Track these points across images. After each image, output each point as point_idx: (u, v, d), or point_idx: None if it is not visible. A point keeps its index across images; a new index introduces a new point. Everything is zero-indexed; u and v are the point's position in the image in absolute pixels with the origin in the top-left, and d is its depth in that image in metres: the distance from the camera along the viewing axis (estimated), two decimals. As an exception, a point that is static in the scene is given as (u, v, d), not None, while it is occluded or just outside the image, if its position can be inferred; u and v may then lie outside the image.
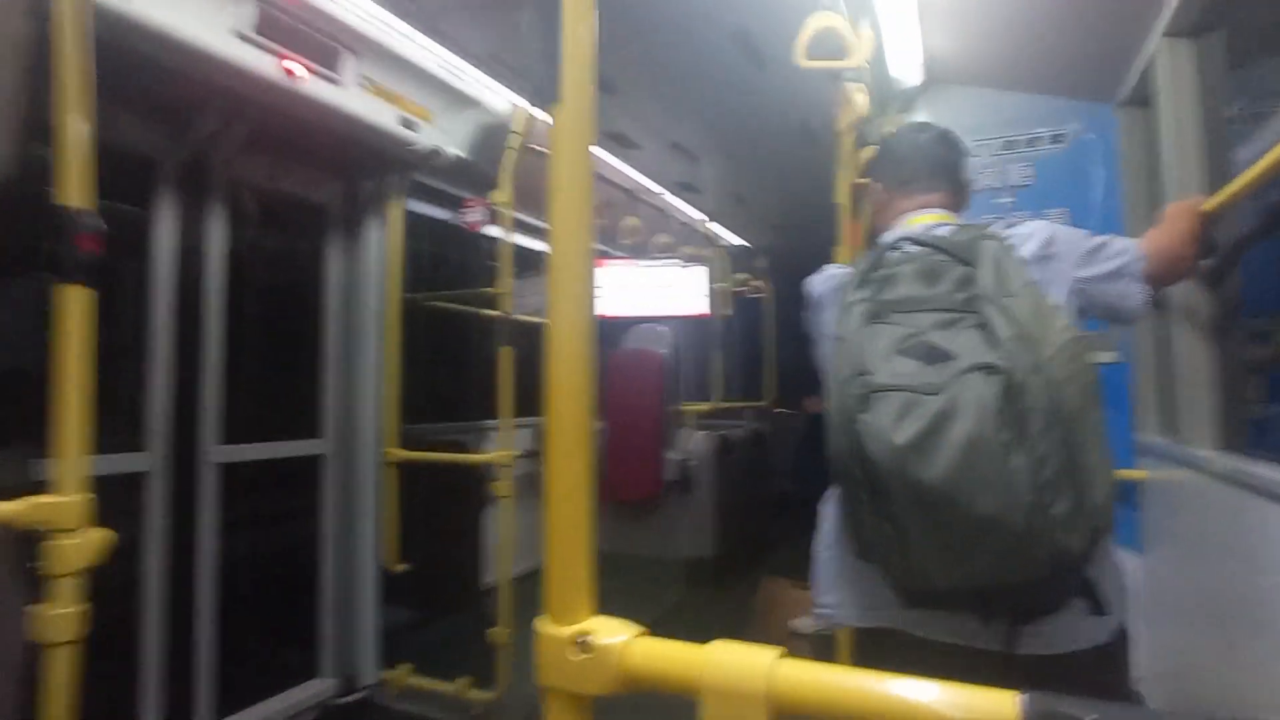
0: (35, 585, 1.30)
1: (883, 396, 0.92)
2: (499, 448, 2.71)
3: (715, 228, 5.16)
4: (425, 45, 2.47)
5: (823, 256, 1.76)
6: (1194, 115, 1.71)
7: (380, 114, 2.44)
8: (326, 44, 2.18)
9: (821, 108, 2.28)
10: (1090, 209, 2.45)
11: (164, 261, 2.24)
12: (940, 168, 1.33)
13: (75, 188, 1.31)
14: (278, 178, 2.62)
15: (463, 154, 2.80)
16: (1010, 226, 1.18)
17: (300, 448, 2.74)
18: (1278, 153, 1.09)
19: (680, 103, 3.08)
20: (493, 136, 2.80)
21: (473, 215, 2.98)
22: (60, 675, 1.28)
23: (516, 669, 2.60)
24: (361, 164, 2.77)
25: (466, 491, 2.96)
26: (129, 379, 2.22)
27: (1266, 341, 1.84)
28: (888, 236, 1.32)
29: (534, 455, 3.49)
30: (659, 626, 0.60)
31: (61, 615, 1.28)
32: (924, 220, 1.28)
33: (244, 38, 1.94)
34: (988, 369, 0.89)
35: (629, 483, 4.32)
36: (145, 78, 1.94)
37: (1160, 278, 1.22)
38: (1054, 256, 1.14)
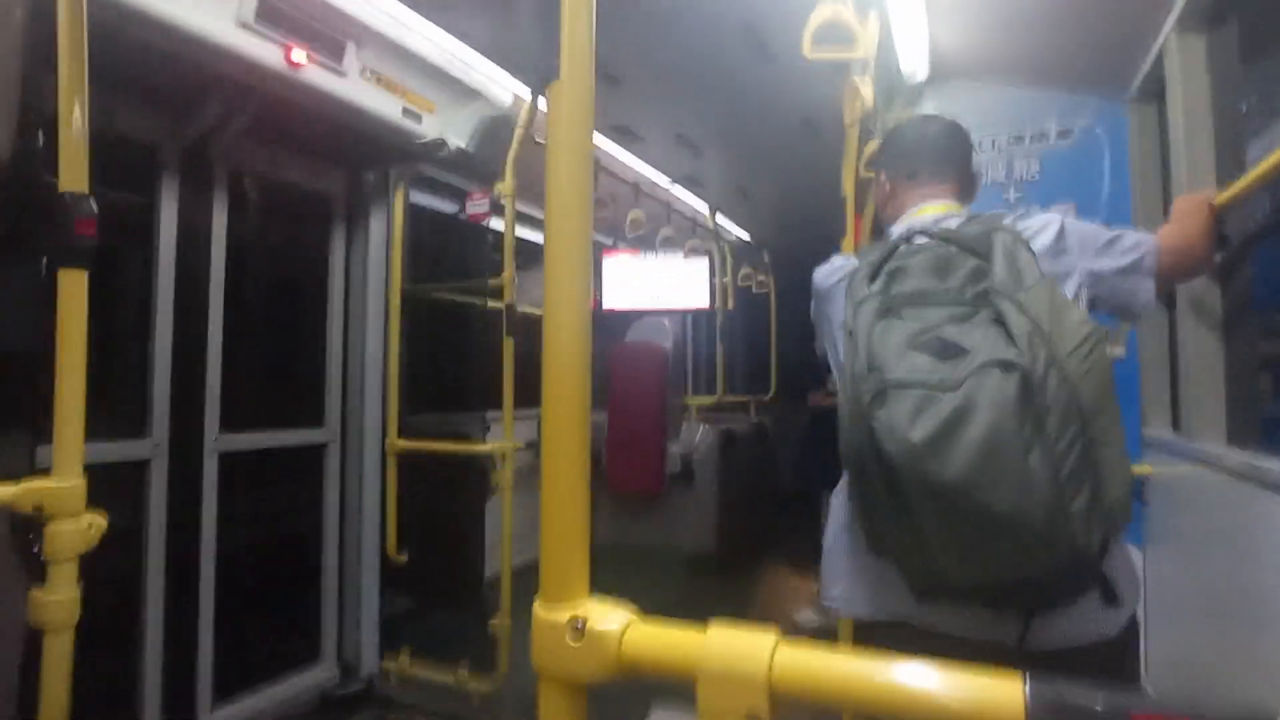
0: (35, 569, 1.30)
1: (898, 393, 0.91)
2: (501, 438, 2.70)
3: (719, 221, 5.15)
4: (429, 35, 2.45)
5: (827, 251, 1.74)
6: (1205, 109, 1.69)
7: (383, 104, 2.43)
8: (330, 33, 2.17)
9: (827, 101, 2.27)
10: (1097, 204, 2.42)
11: (166, 250, 2.24)
12: (948, 159, 1.31)
13: (73, 173, 1.31)
14: (281, 167, 2.62)
15: (465, 145, 2.79)
16: (1021, 218, 1.16)
17: (302, 436, 2.74)
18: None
19: (685, 95, 3.07)
20: (496, 128, 2.79)
21: (476, 207, 2.97)
22: (58, 658, 1.28)
23: (516, 658, 2.60)
24: (364, 154, 2.77)
25: (468, 482, 2.96)
26: (132, 366, 2.22)
27: (1277, 337, 1.82)
28: (896, 228, 1.31)
29: (536, 446, 3.48)
30: (660, 618, 0.59)
31: (59, 599, 1.27)
32: (932, 211, 1.27)
33: (246, 26, 1.93)
34: (1005, 365, 0.88)
35: (632, 475, 4.32)
36: (148, 65, 1.94)
37: (1174, 273, 1.20)
38: (1066, 249, 1.12)
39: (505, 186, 2.63)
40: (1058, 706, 0.43)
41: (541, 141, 2.64)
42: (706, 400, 5.10)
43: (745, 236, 5.90)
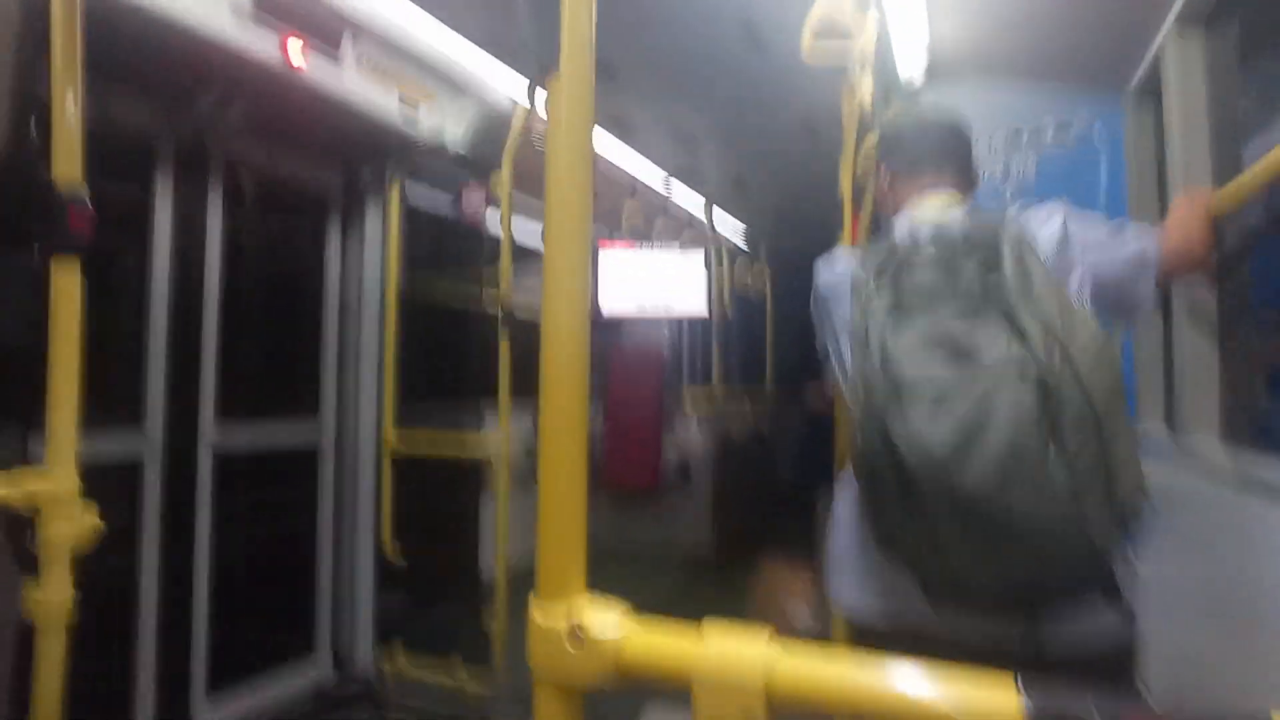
0: (29, 565, 1.29)
1: (912, 395, 0.91)
2: (497, 437, 2.70)
3: (716, 217, 5.14)
4: (426, 28, 2.44)
5: (824, 247, 1.74)
6: (1202, 108, 1.69)
7: (380, 98, 2.42)
8: (327, 26, 2.16)
9: (825, 97, 2.26)
10: (1094, 201, 2.42)
11: (161, 244, 2.22)
12: (949, 150, 1.31)
13: (67, 165, 1.30)
14: (276, 160, 2.60)
15: (463, 140, 2.78)
16: (1024, 212, 1.15)
17: (298, 433, 2.73)
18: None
19: (683, 91, 3.06)
20: (493, 122, 2.77)
21: (471, 203, 2.96)
22: (52, 655, 1.27)
23: (512, 657, 2.60)
24: (361, 148, 2.75)
25: (464, 480, 2.96)
26: (127, 362, 2.21)
27: (1274, 336, 1.82)
28: (900, 223, 1.30)
29: (533, 451, 3.48)
30: (656, 615, 0.58)
31: (52, 594, 1.27)
32: (934, 205, 1.26)
33: (242, 17, 1.92)
34: (1021, 368, 0.88)
35: (629, 472, 4.33)
36: (143, 57, 1.92)
37: (1174, 273, 1.20)
38: (1070, 245, 1.12)
39: (502, 181, 2.62)
40: (1053, 710, 0.43)
41: (538, 137, 2.64)
42: (702, 396, 5.10)
43: (742, 233, 5.90)
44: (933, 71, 2.63)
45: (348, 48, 2.24)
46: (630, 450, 4.33)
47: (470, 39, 2.58)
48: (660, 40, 2.56)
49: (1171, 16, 1.75)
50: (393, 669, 2.72)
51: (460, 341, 3.64)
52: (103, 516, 1.33)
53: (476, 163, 2.85)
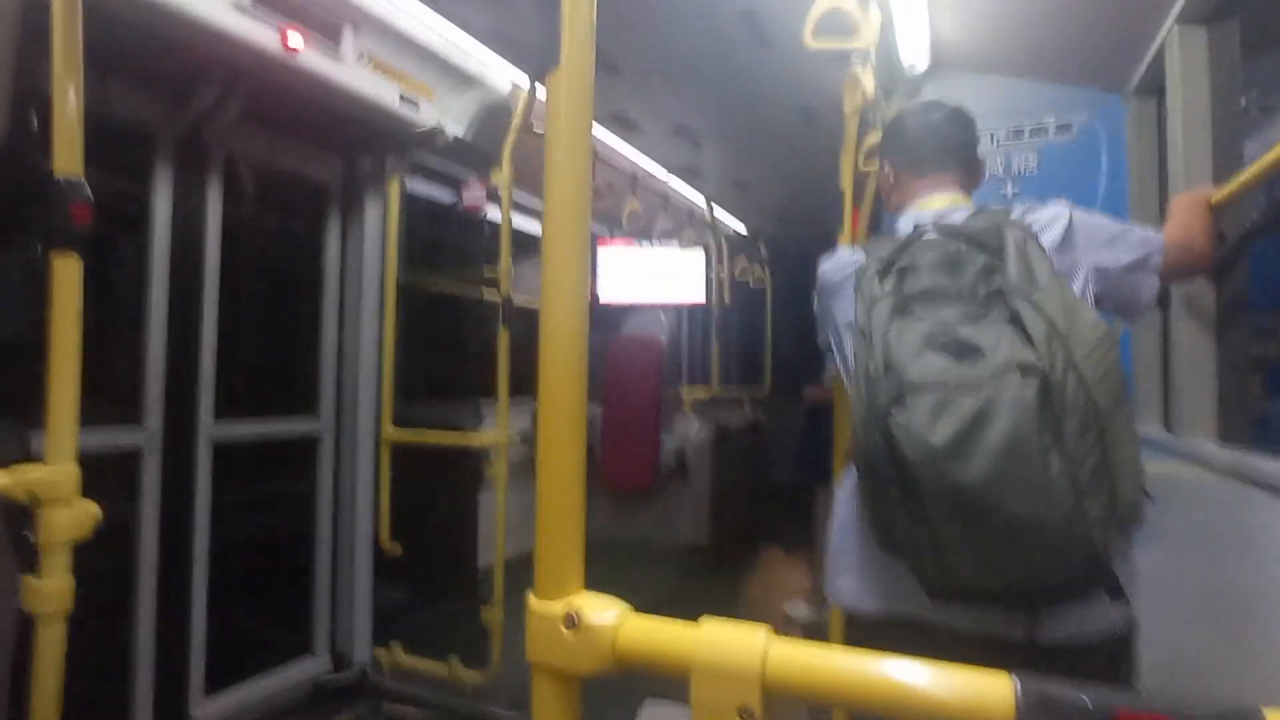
0: (28, 557, 1.29)
1: (915, 395, 0.91)
2: (496, 429, 2.70)
3: (716, 213, 5.14)
4: (427, 21, 2.44)
5: (825, 244, 1.74)
6: (1204, 104, 1.68)
7: (381, 90, 2.41)
8: (327, 17, 2.16)
9: (826, 92, 2.26)
10: (1095, 199, 2.42)
11: (161, 236, 2.22)
12: (953, 147, 1.31)
13: (67, 157, 1.30)
14: (276, 153, 2.60)
15: (463, 133, 2.77)
16: (1029, 211, 1.15)
17: (296, 426, 2.73)
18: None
19: (683, 85, 3.05)
20: (494, 116, 2.77)
21: (473, 196, 2.96)
22: (50, 646, 1.28)
23: (509, 650, 2.60)
24: (361, 141, 2.75)
25: (462, 472, 2.96)
26: (126, 354, 2.21)
27: (1271, 336, 1.82)
28: (902, 220, 1.30)
29: (530, 439, 3.49)
30: (654, 612, 0.59)
31: (51, 586, 1.27)
32: (938, 204, 1.26)
33: (243, 9, 1.92)
34: (1024, 369, 0.88)
35: (626, 470, 4.33)
36: (143, 48, 1.92)
37: (1178, 271, 1.20)
38: (1074, 244, 1.12)
39: (502, 175, 2.62)
40: (1047, 704, 0.43)
41: (539, 131, 2.63)
42: (701, 393, 5.11)
43: (742, 229, 5.89)
44: (935, 68, 2.63)
45: (349, 39, 2.24)
46: (628, 449, 4.33)
47: (471, 32, 2.57)
48: (660, 34, 2.55)
49: (1173, 14, 1.74)
50: (389, 661, 2.73)
51: (460, 333, 3.65)
52: (102, 507, 1.33)
53: (476, 156, 2.85)
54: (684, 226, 4.84)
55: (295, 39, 2.04)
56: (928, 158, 1.30)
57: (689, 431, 4.51)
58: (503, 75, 2.78)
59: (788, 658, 0.51)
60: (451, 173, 3.18)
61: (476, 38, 2.61)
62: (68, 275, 1.31)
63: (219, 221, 2.38)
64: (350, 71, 2.27)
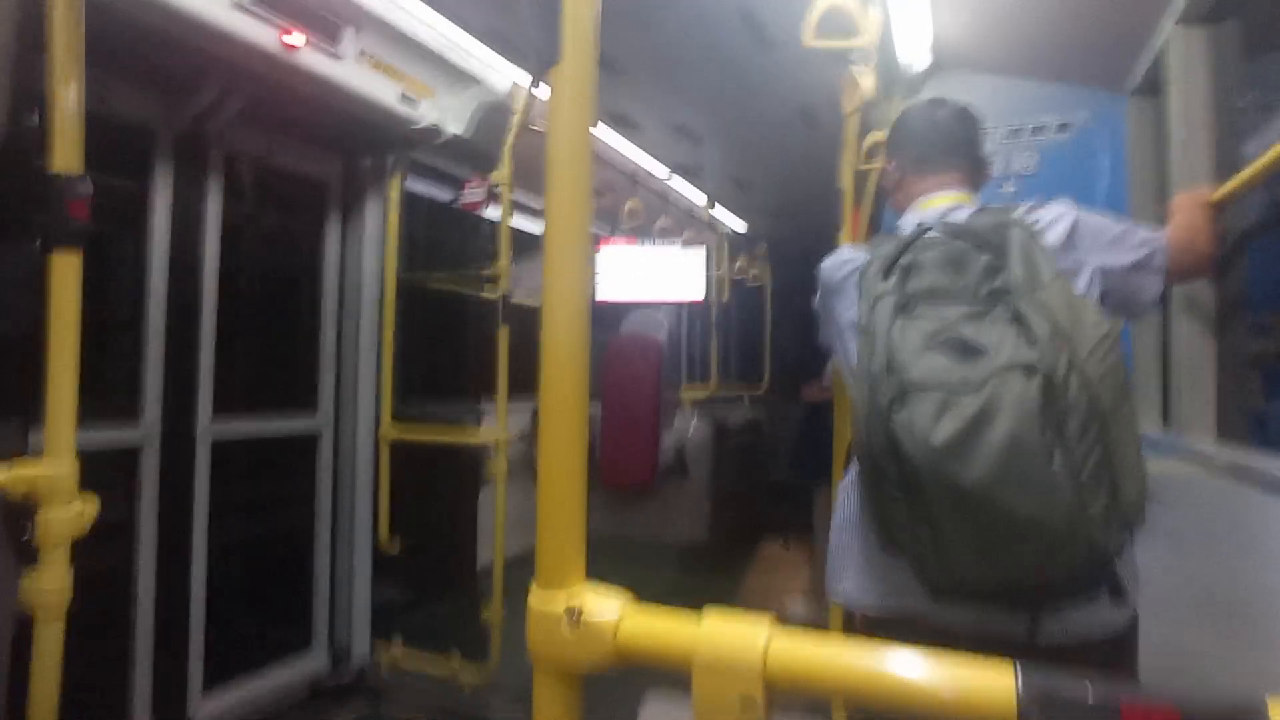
0: (26, 555, 1.29)
1: (918, 394, 0.91)
2: (495, 426, 2.70)
3: (716, 212, 5.14)
4: (427, 20, 2.43)
5: (824, 242, 1.74)
6: (1204, 104, 1.68)
7: (381, 90, 2.41)
8: (327, 16, 2.15)
9: (826, 91, 2.26)
10: (1095, 199, 2.42)
11: (160, 234, 2.22)
12: (958, 145, 1.30)
13: (66, 154, 1.29)
14: (276, 152, 2.60)
15: (463, 132, 2.77)
16: (1033, 210, 1.15)
17: (295, 424, 2.73)
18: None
19: (683, 84, 3.05)
20: (494, 114, 2.77)
21: (472, 195, 2.95)
22: (49, 644, 1.28)
23: (508, 648, 2.60)
24: (361, 140, 2.75)
25: (461, 470, 2.96)
26: (124, 351, 2.21)
27: (1270, 335, 1.83)
28: (906, 219, 1.30)
29: (529, 437, 3.49)
30: (655, 605, 0.59)
31: (49, 583, 1.27)
32: (942, 203, 1.26)
33: (243, 8, 1.91)
34: (1027, 369, 0.88)
35: (625, 469, 4.32)
36: (142, 46, 1.91)
37: (1181, 271, 1.20)
38: (1078, 244, 1.11)
39: (502, 174, 2.61)
40: (1049, 696, 0.43)
41: (538, 129, 2.63)
42: (700, 392, 5.11)
43: (742, 228, 5.89)
44: (935, 67, 2.63)
45: (348, 37, 2.23)
46: (627, 447, 4.32)
47: (471, 31, 2.57)
48: (660, 32, 2.55)
49: (1173, 14, 1.74)
50: (389, 659, 2.73)
51: (459, 331, 3.64)
52: (101, 503, 1.33)
53: (476, 154, 2.84)
54: (684, 225, 4.84)
55: (294, 37, 2.04)
56: (933, 156, 1.30)
57: (688, 429, 4.50)
58: (502, 74, 2.78)
59: (790, 649, 0.51)
60: (452, 171, 3.18)
61: (476, 36, 2.61)
62: (66, 272, 1.31)
63: (218, 219, 2.38)
64: (350, 70, 2.27)
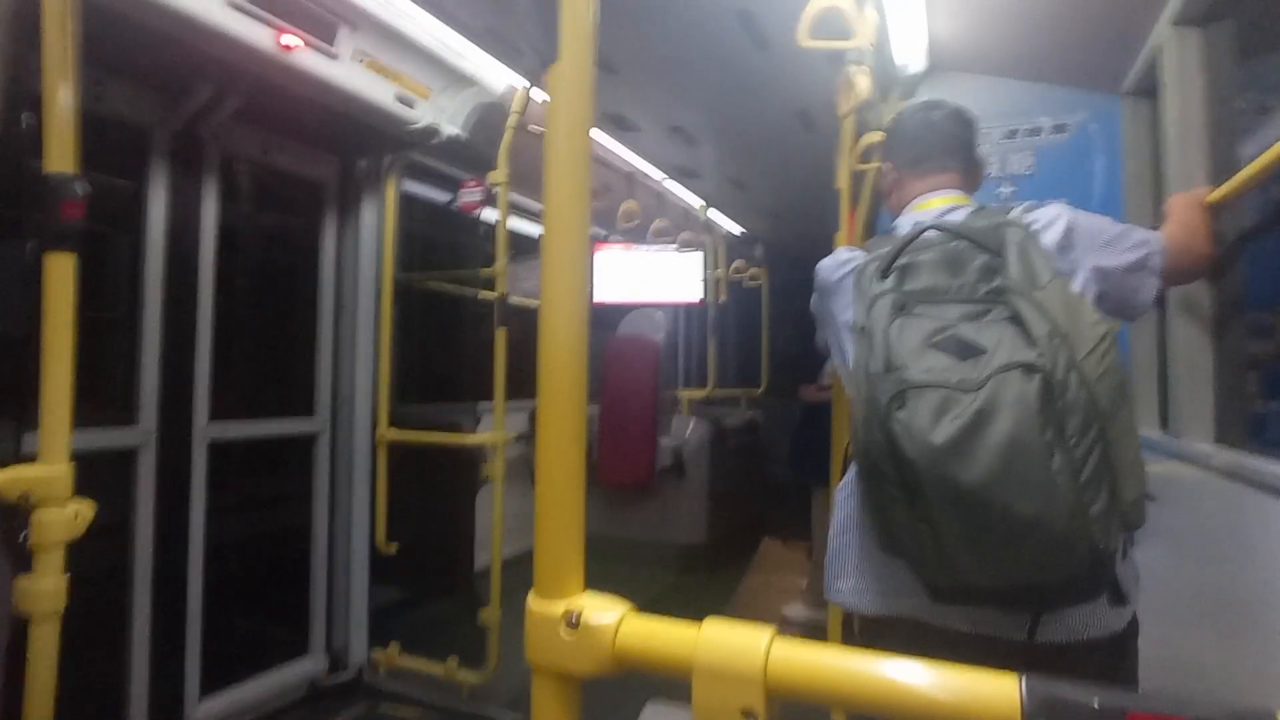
0: (21, 557, 1.29)
1: (918, 394, 0.91)
2: (493, 429, 2.69)
3: (713, 214, 5.14)
4: (423, 21, 2.43)
5: (820, 244, 1.74)
6: (1200, 106, 1.69)
7: (377, 90, 2.40)
8: (323, 17, 2.15)
9: (822, 92, 2.25)
10: (1091, 200, 2.43)
11: (155, 235, 2.21)
12: (954, 146, 1.30)
13: (60, 155, 1.29)
14: (272, 153, 2.59)
15: (459, 133, 2.77)
16: (1029, 211, 1.15)
17: (292, 426, 2.72)
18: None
19: (679, 85, 3.05)
20: (491, 115, 2.76)
21: (469, 196, 2.95)
22: (44, 647, 1.27)
23: (506, 650, 2.60)
24: (357, 141, 2.74)
25: (459, 472, 2.95)
26: (120, 353, 2.20)
27: (1268, 336, 1.83)
28: (903, 220, 1.30)
29: (528, 438, 3.48)
30: (651, 610, 0.58)
31: (45, 586, 1.26)
32: (939, 204, 1.26)
33: (238, 7, 1.91)
34: (1026, 368, 0.88)
35: (622, 468, 4.32)
36: (137, 45, 1.90)
37: (1177, 272, 1.20)
38: (1074, 244, 1.12)
39: (499, 175, 2.61)
40: (1054, 705, 0.43)
41: (535, 130, 2.63)
42: (698, 393, 5.10)
43: (738, 229, 5.89)
44: (931, 69, 2.63)
45: (344, 38, 2.23)
46: (625, 447, 4.32)
47: (467, 34, 2.56)
48: (656, 34, 2.55)
49: (1167, 16, 1.75)
50: (386, 661, 2.72)
51: (457, 332, 3.64)
52: (97, 505, 1.33)
53: (473, 155, 2.84)
54: (681, 227, 4.84)
55: (290, 37, 2.04)
56: (929, 157, 1.30)
57: (686, 431, 4.50)
58: (499, 75, 2.77)
59: (790, 658, 0.51)
60: (449, 172, 3.17)
61: (473, 40, 2.60)
62: (62, 273, 1.30)
63: (215, 220, 2.37)
64: (346, 70, 2.26)
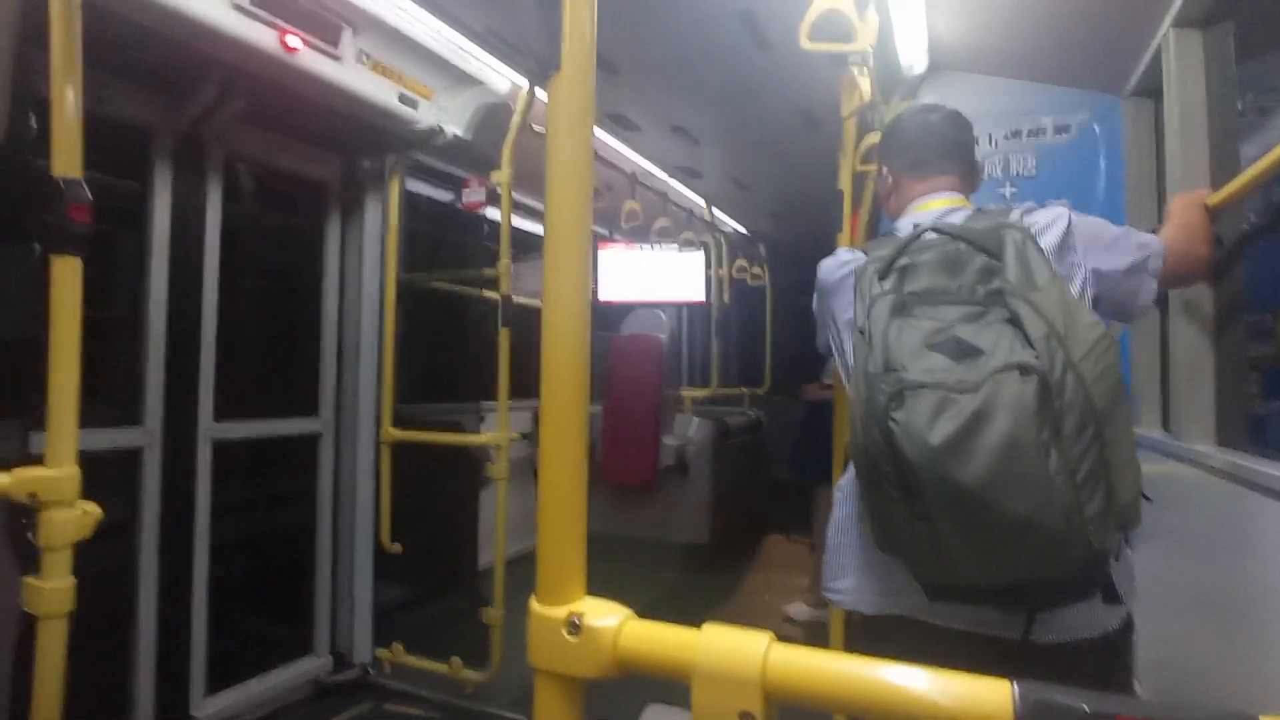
0: (29, 557, 1.30)
1: (916, 394, 0.91)
2: (496, 429, 2.70)
3: (716, 214, 5.14)
4: (426, 22, 2.43)
5: (823, 244, 1.75)
6: (1201, 106, 1.69)
7: (380, 91, 2.41)
8: (327, 18, 2.15)
9: (825, 92, 2.26)
10: (1093, 201, 2.43)
11: (160, 236, 2.22)
12: (952, 149, 1.31)
13: (66, 158, 1.30)
14: (276, 153, 2.60)
15: (463, 133, 2.77)
16: (1029, 213, 1.15)
17: (296, 426, 2.73)
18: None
19: (681, 85, 3.05)
20: (494, 116, 2.77)
21: (472, 195, 2.96)
22: (52, 646, 1.28)
23: (509, 649, 2.61)
24: (360, 141, 2.75)
25: (462, 472, 2.96)
26: (125, 354, 2.21)
27: (1267, 338, 1.83)
28: (902, 222, 1.31)
29: (533, 438, 3.49)
30: (653, 610, 0.59)
31: (53, 587, 1.27)
32: (937, 206, 1.26)
33: (242, 9, 1.92)
34: (1023, 369, 0.88)
35: (625, 467, 4.33)
36: (142, 47, 1.92)
37: (1177, 275, 1.20)
38: (1073, 246, 1.12)
39: (502, 175, 2.62)
40: (1046, 709, 0.44)
41: (539, 130, 2.64)
42: (701, 392, 5.11)
43: (741, 229, 5.89)
44: (933, 70, 2.63)
45: (348, 39, 2.23)
46: (628, 446, 4.33)
47: (470, 36, 2.57)
48: (659, 34, 2.55)
49: (1170, 17, 1.75)
50: (390, 660, 2.74)
51: (461, 332, 3.64)
52: (103, 507, 1.34)
53: (476, 155, 2.85)
54: (684, 227, 4.84)
55: (294, 39, 2.04)
56: (927, 159, 1.30)
57: (689, 430, 4.51)
58: (502, 75, 2.78)
59: (789, 662, 0.52)
60: (452, 172, 3.18)
61: (476, 42, 2.61)
62: (67, 276, 1.31)
63: (218, 221, 2.38)
64: (349, 71, 2.27)
